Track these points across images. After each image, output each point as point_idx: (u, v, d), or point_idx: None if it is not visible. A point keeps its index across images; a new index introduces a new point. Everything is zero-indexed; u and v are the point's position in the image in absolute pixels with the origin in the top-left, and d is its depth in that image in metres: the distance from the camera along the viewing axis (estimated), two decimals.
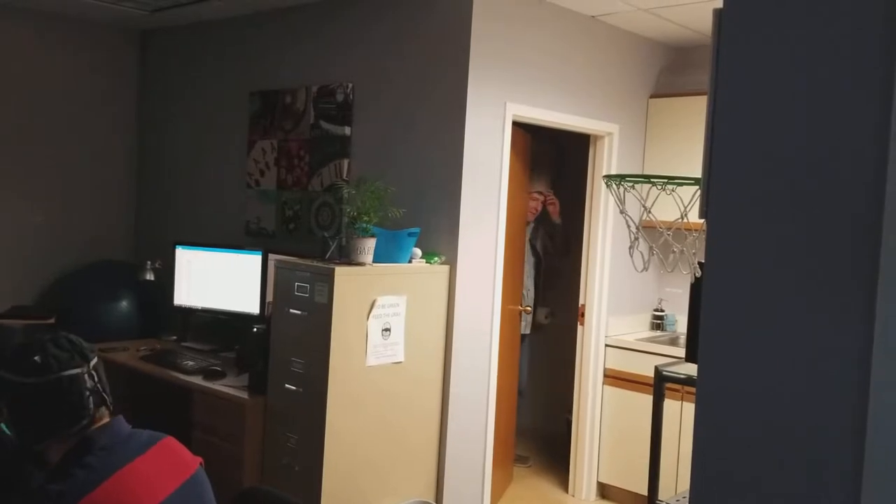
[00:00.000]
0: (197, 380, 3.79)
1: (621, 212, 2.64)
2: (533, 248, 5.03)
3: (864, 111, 0.94)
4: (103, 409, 1.81)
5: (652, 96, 4.84)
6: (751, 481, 1.03)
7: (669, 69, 4.95)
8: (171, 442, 1.89)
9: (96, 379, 1.81)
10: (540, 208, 5.02)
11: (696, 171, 2.86)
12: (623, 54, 4.63)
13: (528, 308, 4.91)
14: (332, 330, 3.27)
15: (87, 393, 1.77)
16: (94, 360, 1.83)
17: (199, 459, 1.92)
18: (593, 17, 4.34)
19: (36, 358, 1.74)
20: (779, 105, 1.02)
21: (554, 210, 5.05)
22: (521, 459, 5.18)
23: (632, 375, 4.50)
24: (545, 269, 5.20)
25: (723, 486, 1.06)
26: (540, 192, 5.02)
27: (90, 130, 5.35)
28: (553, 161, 5.34)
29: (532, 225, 5.04)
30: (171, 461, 1.83)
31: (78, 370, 1.77)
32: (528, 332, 5.04)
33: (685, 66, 4.93)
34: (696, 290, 2.83)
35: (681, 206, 2.39)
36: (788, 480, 1.00)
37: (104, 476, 1.68)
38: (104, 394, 1.82)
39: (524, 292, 4.87)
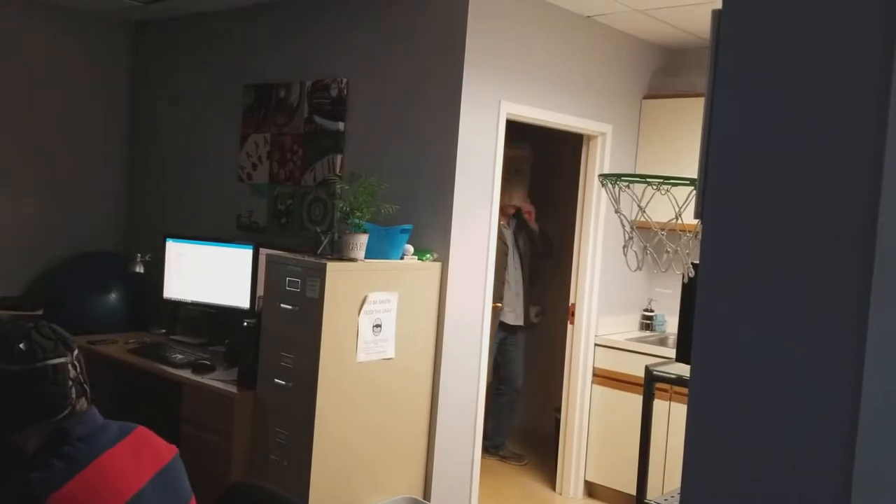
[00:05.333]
0: (186, 373, 3.77)
1: (616, 211, 2.65)
2: (517, 248, 5.09)
3: (861, 113, 0.95)
4: (83, 399, 1.80)
5: (645, 97, 4.85)
6: (742, 484, 1.03)
7: (663, 70, 4.96)
8: (144, 432, 1.88)
9: (79, 369, 1.80)
10: (512, 211, 5.06)
11: (688, 172, 2.86)
12: (617, 55, 4.64)
13: (499, 304, 4.95)
14: (322, 325, 3.27)
15: (70, 383, 1.76)
16: (77, 351, 1.82)
17: (175, 448, 1.91)
18: (588, 16, 4.34)
19: (21, 345, 1.72)
20: (775, 107, 1.03)
21: (530, 217, 5.10)
22: (516, 457, 5.20)
23: (621, 375, 4.51)
24: (529, 270, 5.23)
25: (714, 488, 1.07)
26: (513, 206, 5.04)
27: (81, 121, 5.32)
28: (532, 169, 5.36)
29: (514, 223, 5.10)
30: (145, 450, 1.83)
31: (63, 359, 1.76)
32: (519, 323, 5.10)
33: (678, 68, 4.94)
34: (689, 290, 2.84)
35: (675, 207, 2.40)
36: (780, 484, 1.00)
37: (82, 465, 1.68)
38: (85, 385, 1.81)
39: (507, 287, 4.96)
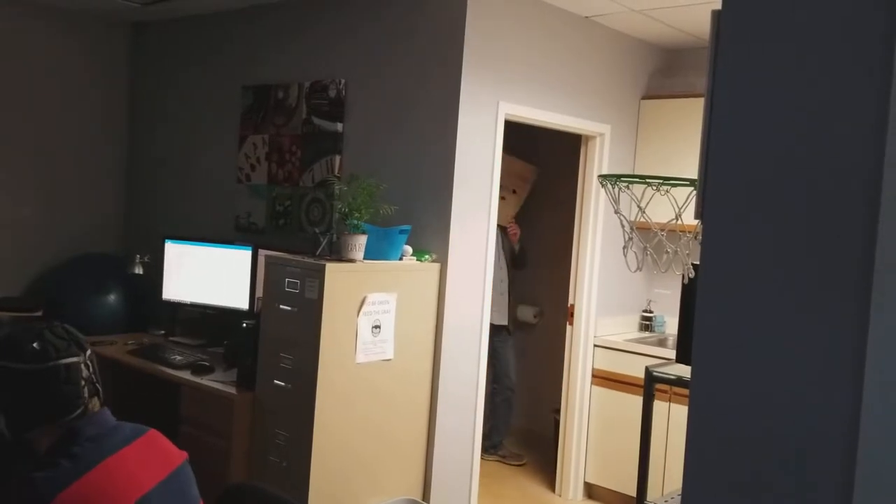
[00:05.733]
0: (185, 374, 3.77)
1: (616, 212, 2.65)
2: (501, 250, 5.15)
3: (861, 113, 0.95)
4: (95, 399, 1.82)
5: (643, 97, 4.85)
6: (743, 484, 1.03)
7: (661, 71, 4.97)
8: (155, 435, 1.89)
9: (91, 369, 1.81)
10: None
11: (687, 173, 2.87)
12: (616, 55, 4.64)
13: None
14: (321, 326, 3.26)
15: (83, 382, 1.78)
16: (90, 351, 1.84)
17: (185, 454, 1.92)
18: (587, 17, 4.35)
19: (34, 345, 1.74)
20: (776, 107, 1.03)
21: (514, 238, 5.18)
22: (514, 457, 5.19)
23: (620, 376, 4.51)
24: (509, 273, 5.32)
25: (715, 488, 1.07)
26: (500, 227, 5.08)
27: (80, 123, 5.32)
28: (529, 186, 5.39)
29: (499, 232, 5.11)
30: (155, 454, 1.84)
31: (76, 359, 1.78)
32: (504, 322, 5.12)
33: (677, 68, 4.94)
34: (689, 291, 2.84)
35: (675, 208, 2.40)
36: (781, 484, 1.00)
37: (89, 466, 1.68)
38: (97, 384, 1.82)
39: (498, 289, 4.99)
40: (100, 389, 1.83)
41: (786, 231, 1.00)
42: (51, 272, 5.07)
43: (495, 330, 5.02)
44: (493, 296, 4.98)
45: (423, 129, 3.87)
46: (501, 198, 4.81)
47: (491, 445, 5.16)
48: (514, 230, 5.18)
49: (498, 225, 4.99)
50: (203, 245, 4.45)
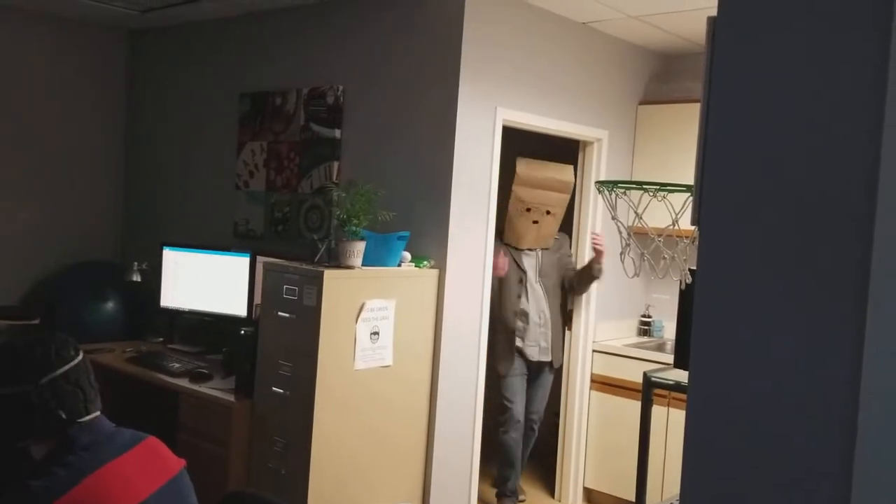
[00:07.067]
0: (183, 382, 3.77)
1: (613, 218, 2.65)
2: (539, 275, 4.43)
3: (857, 118, 0.95)
4: (92, 407, 1.82)
5: (641, 103, 4.86)
6: (742, 485, 1.03)
7: (658, 76, 4.98)
8: (154, 442, 1.89)
9: (87, 377, 1.82)
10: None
11: (684, 178, 2.88)
12: (613, 61, 4.66)
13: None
14: (320, 333, 3.26)
15: (79, 391, 1.78)
16: (83, 357, 1.84)
17: (183, 462, 1.92)
18: (584, 23, 4.36)
19: (30, 355, 1.74)
20: (771, 112, 1.03)
21: (600, 255, 4.30)
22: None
23: (619, 381, 4.51)
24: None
25: (713, 489, 1.07)
26: (595, 234, 4.40)
27: (77, 130, 5.32)
28: (569, 195, 4.48)
29: (537, 255, 4.42)
30: (153, 461, 1.84)
31: (71, 366, 1.78)
32: (545, 358, 4.38)
33: (674, 74, 4.95)
34: (686, 296, 2.84)
35: (672, 213, 2.40)
36: (780, 485, 1.00)
37: (85, 473, 1.68)
38: (94, 391, 1.83)
39: (528, 318, 4.36)
40: (96, 397, 1.83)
41: (783, 233, 1.01)
42: (48, 279, 5.06)
43: (532, 366, 4.41)
44: (531, 329, 4.34)
45: (422, 134, 3.88)
46: (534, 222, 4.32)
47: (498, 493, 4.49)
48: (600, 241, 4.30)
49: (520, 248, 4.40)
50: (201, 252, 4.45)
